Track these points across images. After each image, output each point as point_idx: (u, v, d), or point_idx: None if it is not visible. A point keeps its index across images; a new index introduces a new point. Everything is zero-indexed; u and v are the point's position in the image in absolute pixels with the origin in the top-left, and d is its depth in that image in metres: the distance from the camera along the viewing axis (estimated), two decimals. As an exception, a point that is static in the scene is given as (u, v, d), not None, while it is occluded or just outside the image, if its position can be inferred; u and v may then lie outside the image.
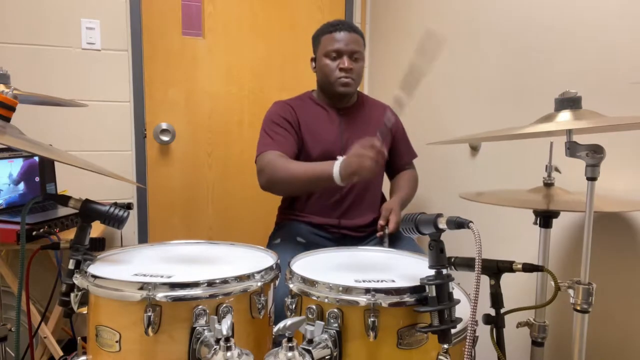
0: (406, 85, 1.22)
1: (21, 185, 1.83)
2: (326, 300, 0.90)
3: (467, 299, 1.18)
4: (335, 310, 0.89)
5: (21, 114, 1.27)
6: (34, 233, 1.43)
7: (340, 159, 1.48)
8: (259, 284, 0.97)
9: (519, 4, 1.60)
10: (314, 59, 1.75)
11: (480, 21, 1.80)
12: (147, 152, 2.37)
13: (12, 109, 1.01)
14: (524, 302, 1.19)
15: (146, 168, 2.38)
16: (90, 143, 2.26)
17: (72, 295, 0.96)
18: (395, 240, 1.67)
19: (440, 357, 0.92)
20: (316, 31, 1.74)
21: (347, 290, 0.90)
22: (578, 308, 1.00)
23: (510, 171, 1.67)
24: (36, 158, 1.90)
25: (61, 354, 1.74)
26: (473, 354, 0.92)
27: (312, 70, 1.77)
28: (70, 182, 2.15)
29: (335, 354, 0.88)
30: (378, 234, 1.63)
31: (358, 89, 1.79)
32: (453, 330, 0.89)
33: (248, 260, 1.12)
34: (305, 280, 0.95)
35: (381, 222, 1.63)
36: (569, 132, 1.00)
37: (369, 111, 1.81)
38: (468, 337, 0.83)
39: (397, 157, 1.87)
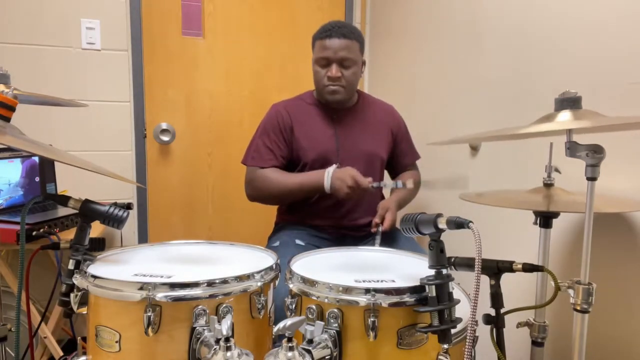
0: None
1: (21, 185, 1.83)
2: (326, 300, 0.90)
3: (467, 299, 1.18)
4: (335, 310, 0.89)
5: (21, 114, 1.27)
6: (34, 233, 1.43)
7: (330, 170, 1.55)
8: (259, 284, 0.97)
9: (519, 4, 1.60)
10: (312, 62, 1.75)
11: (480, 21, 1.80)
12: (147, 152, 2.37)
13: (12, 109, 1.01)
14: (524, 302, 1.18)
15: (146, 168, 2.38)
16: (90, 143, 2.26)
17: (72, 295, 0.95)
18: (392, 240, 1.67)
19: (440, 357, 0.92)
20: (315, 33, 1.72)
21: (347, 290, 0.89)
22: (578, 308, 1.00)
23: (510, 171, 1.67)
24: (36, 158, 1.90)
25: (61, 354, 1.74)
26: (473, 354, 0.92)
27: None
28: (70, 182, 2.15)
29: (335, 354, 0.87)
30: (372, 229, 1.63)
31: (358, 87, 1.78)
32: (453, 330, 0.89)
33: (248, 260, 1.12)
34: (305, 280, 0.95)
35: (376, 219, 1.63)
36: (569, 132, 1.00)
37: (369, 112, 1.80)
38: (468, 337, 0.83)
39: (400, 157, 1.86)
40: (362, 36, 1.71)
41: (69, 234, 1.43)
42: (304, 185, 1.62)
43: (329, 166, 1.62)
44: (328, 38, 1.63)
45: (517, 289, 1.57)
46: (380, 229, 1.60)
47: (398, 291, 0.89)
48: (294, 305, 0.96)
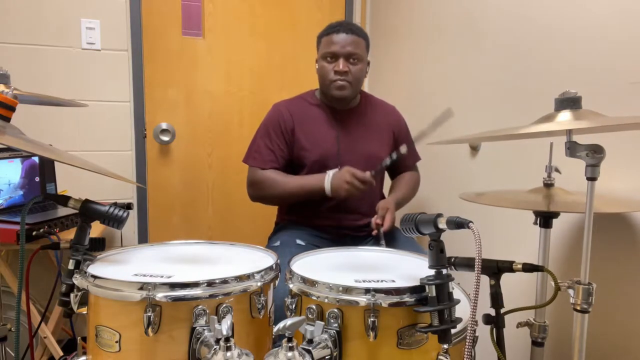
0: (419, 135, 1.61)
1: (21, 185, 1.83)
2: (326, 300, 0.90)
3: (467, 299, 1.18)
4: (335, 310, 0.89)
5: (21, 114, 1.27)
6: (34, 233, 1.43)
7: (330, 173, 1.57)
8: (259, 284, 0.97)
9: (519, 4, 1.60)
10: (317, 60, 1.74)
11: (480, 21, 1.80)
12: (147, 152, 2.37)
13: (12, 109, 1.01)
14: (524, 302, 1.18)
15: (146, 168, 2.38)
16: (90, 143, 2.26)
17: (72, 295, 0.96)
18: (393, 240, 1.66)
19: (440, 357, 0.92)
20: (319, 32, 1.73)
21: (347, 290, 0.89)
22: (578, 308, 1.00)
23: (510, 171, 1.67)
24: (36, 158, 1.90)
25: (61, 354, 1.74)
26: (473, 354, 0.92)
27: (315, 71, 1.75)
28: (70, 182, 2.15)
29: (335, 354, 0.87)
30: (373, 232, 1.63)
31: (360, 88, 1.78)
32: (453, 330, 0.89)
33: (248, 260, 1.12)
34: (305, 280, 0.95)
35: (377, 220, 1.63)
36: (569, 132, 1.00)
37: (371, 113, 1.80)
38: (468, 337, 0.83)
39: (400, 159, 1.85)
40: (368, 36, 1.72)
41: (69, 234, 1.43)
42: (305, 188, 1.63)
43: (329, 168, 1.62)
44: (335, 33, 1.64)
45: (517, 289, 1.57)
46: (382, 229, 1.60)
47: (398, 291, 0.89)
48: (294, 305, 0.96)
